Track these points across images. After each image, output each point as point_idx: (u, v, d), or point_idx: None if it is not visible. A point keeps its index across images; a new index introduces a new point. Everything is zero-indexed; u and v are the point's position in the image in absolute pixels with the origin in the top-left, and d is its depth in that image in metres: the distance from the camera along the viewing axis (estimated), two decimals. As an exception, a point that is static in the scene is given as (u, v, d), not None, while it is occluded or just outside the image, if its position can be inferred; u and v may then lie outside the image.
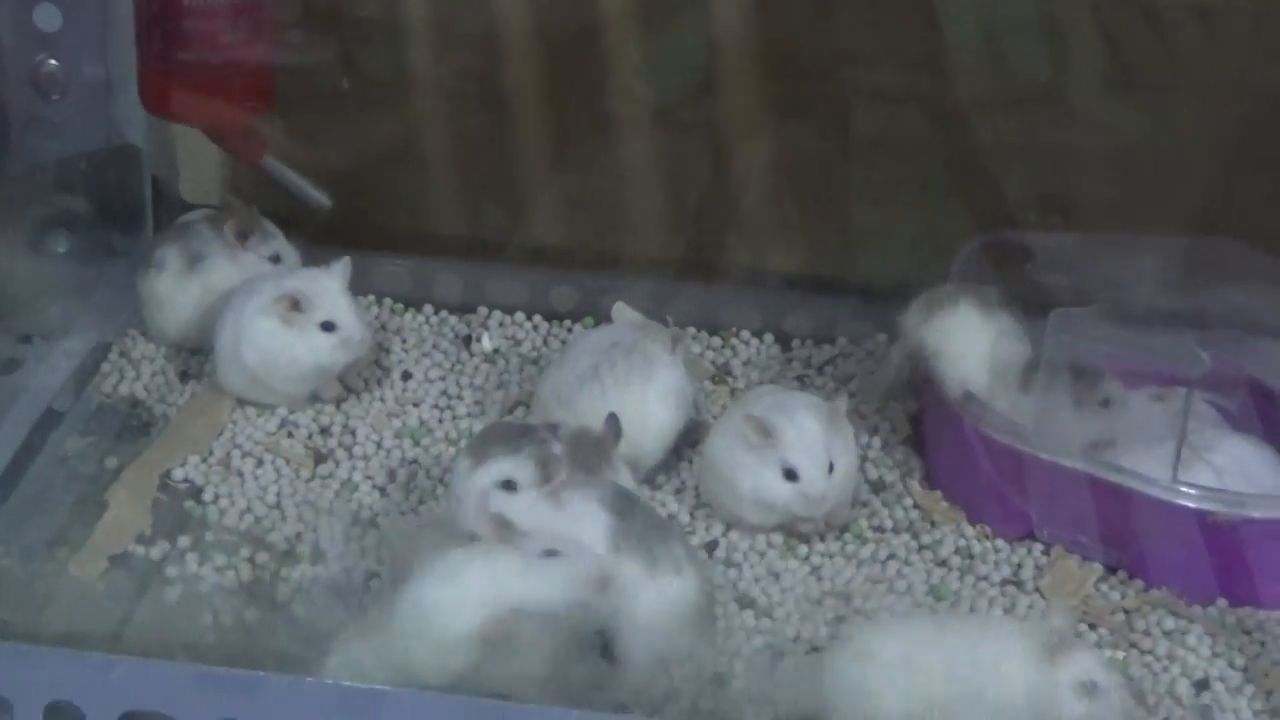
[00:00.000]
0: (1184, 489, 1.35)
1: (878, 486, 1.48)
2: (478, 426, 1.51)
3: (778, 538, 1.40)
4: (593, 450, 1.34)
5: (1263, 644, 1.33)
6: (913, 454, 1.52)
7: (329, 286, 1.50)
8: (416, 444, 1.50)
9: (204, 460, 1.47)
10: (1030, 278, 1.48)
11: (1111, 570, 1.39)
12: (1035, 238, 1.53)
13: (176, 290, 1.58)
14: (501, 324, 1.67)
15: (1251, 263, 1.54)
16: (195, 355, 1.59)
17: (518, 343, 1.65)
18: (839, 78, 1.71)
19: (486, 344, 1.64)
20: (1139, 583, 1.38)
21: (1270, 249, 1.56)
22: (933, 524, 1.44)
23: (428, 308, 1.68)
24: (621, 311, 1.53)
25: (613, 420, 1.36)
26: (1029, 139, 1.71)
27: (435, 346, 1.63)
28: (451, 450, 1.49)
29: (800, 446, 1.38)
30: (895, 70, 1.70)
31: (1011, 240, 1.54)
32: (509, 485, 1.29)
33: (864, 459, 1.49)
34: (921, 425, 1.53)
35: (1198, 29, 1.66)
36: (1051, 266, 1.49)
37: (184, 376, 1.58)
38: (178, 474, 1.45)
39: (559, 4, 1.74)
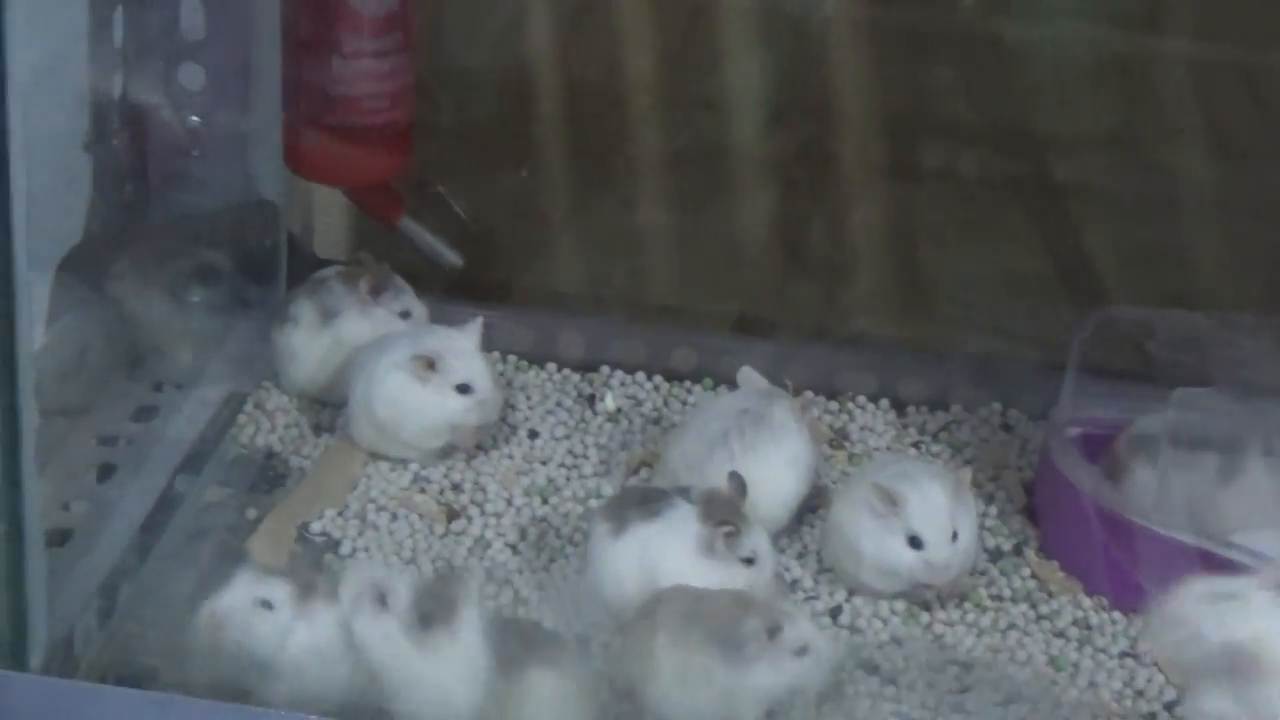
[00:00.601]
0: (1299, 566, 1.38)
1: (995, 555, 1.51)
2: (605, 486, 1.55)
3: (900, 604, 1.44)
4: (726, 508, 1.38)
5: (1371, 720, 1.36)
6: (1029, 523, 1.55)
7: (465, 348, 1.54)
8: (545, 502, 1.54)
9: (340, 514, 1.51)
10: (1151, 354, 1.51)
11: (1227, 645, 1.42)
12: (1154, 314, 1.56)
13: (310, 343, 1.63)
14: (623, 383, 1.71)
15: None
16: (327, 408, 1.64)
17: (639, 402, 1.69)
18: (958, 140, 1.75)
19: (610, 403, 1.68)
20: (1254, 657, 1.41)
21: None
22: (1050, 594, 1.47)
23: (550, 365, 1.72)
24: (747, 377, 1.57)
25: (735, 477, 1.40)
26: (1139, 210, 1.74)
27: (559, 404, 1.67)
28: (580, 509, 1.53)
29: (925, 515, 1.41)
30: (1016, 140, 1.74)
31: (1131, 315, 1.57)
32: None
33: (981, 527, 1.53)
34: (1038, 494, 1.56)
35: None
36: (1171, 344, 1.51)
37: (317, 429, 1.62)
38: (315, 526, 1.50)
39: (690, 69, 1.78)
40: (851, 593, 1.45)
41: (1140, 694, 1.37)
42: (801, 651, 1.27)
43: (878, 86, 1.75)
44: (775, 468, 1.47)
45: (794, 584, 1.46)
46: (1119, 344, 1.56)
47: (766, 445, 1.47)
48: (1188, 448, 1.45)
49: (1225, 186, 1.72)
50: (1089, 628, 1.44)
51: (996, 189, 1.76)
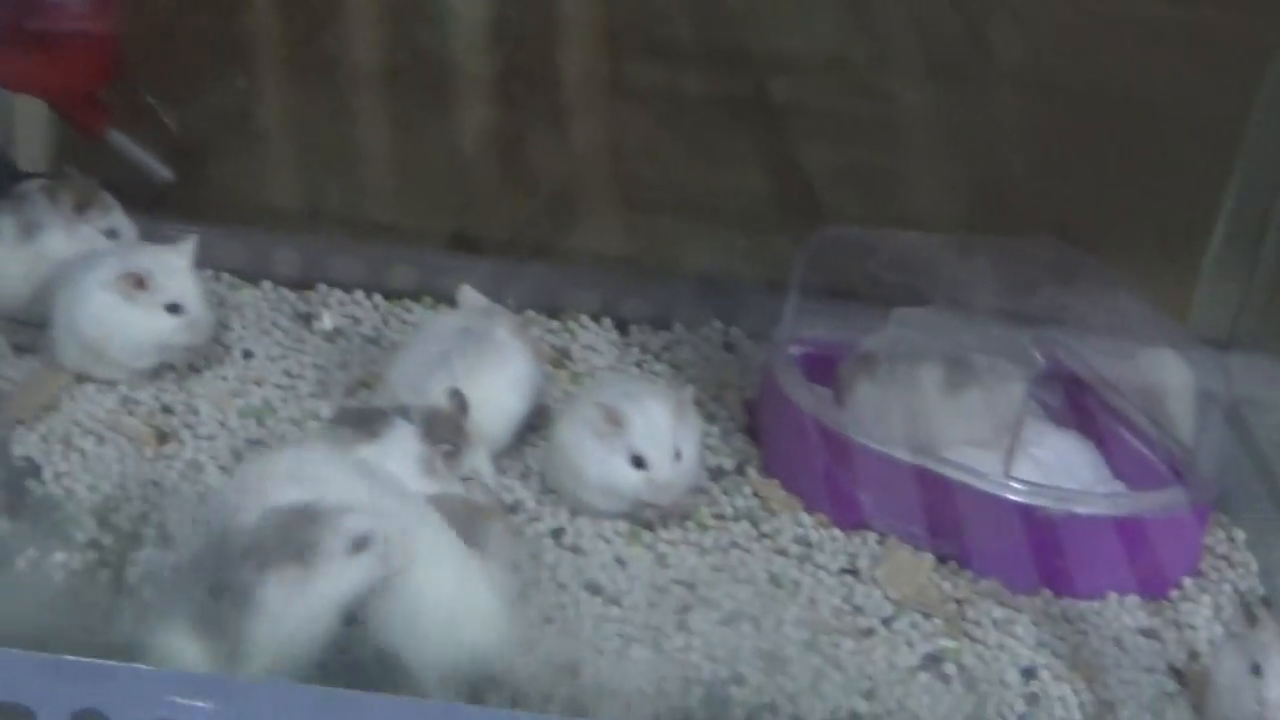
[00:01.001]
0: (1013, 485, 1.41)
1: (717, 474, 1.51)
2: (323, 408, 1.52)
3: (623, 525, 1.43)
4: (447, 427, 1.36)
5: (1084, 633, 1.40)
6: (750, 443, 1.56)
7: (176, 265, 1.49)
8: (261, 424, 1.50)
9: (43, 438, 1.45)
10: (869, 273, 1.52)
11: (943, 560, 1.44)
12: (874, 234, 1.57)
13: (10, 259, 1.56)
14: (341, 302, 1.67)
15: (1069, 261, 1.60)
16: (29, 327, 1.57)
17: (357, 321, 1.66)
18: (679, 59, 1.74)
19: (327, 322, 1.64)
20: (969, 574, 1.43)
21: (1084, 245, 1.63)
22: (771, 512, 1.48)
23: (265, 283, 1.68)
24: (468, 296, 1.54)
25: (456, 395, 1.38)
26: (857, 133, 1.75)
27: (275, 323, 1.63)
28: (297, 431, 1.49)
29: (648, 434, 1.40)
30: (736, 61, 1.73)
31: (850, 235, 1.58)
32: None
33: (704, 446, 1.53)
34: (760, 413, 1.57)
35: (1015, 22, 1.71)
36: (889, 263, 1.53)
37: (18, 349, 1.55)
38: (17, 451, 1.43)
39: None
40: (575, 513, 1.44)
41: (859, 609, 1.38)
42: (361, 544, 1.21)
43: (599, 3, 1.73)
44: (497, 387, 1.45)
45: (516, 505, 1.44)
46: (840, 264, 1.57)
47: (488, 365, 1.45)
48: (906, 365, 1.47)
49: (941, 109, 1.74)
50: (809, 545, 1.45)
51: (718, 108, 1.76)
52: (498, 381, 1.46)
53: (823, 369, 1.57)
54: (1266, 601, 1.44)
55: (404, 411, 1.37)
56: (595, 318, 1.69)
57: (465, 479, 1.35)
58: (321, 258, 1.70)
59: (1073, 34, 1.68)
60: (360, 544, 1.16)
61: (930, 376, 1.47)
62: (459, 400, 1.38)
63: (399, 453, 1.34)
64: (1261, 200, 1.64)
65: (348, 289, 1.68)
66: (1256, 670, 1.23)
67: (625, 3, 1.73)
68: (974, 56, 1.72)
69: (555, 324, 1.68)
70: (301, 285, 1.68)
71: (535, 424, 1.52)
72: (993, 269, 1.54)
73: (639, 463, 1.40)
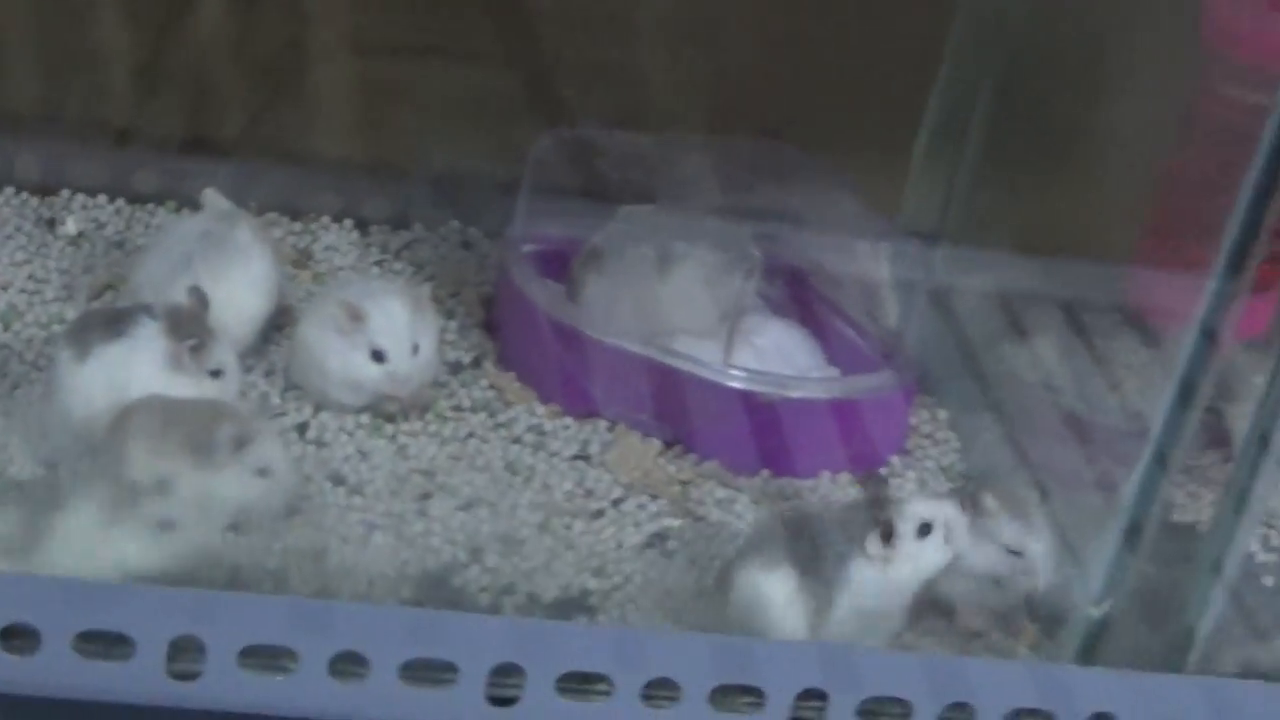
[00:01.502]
0: (733, 372, 1.51)
1: (455, 368, 1.58)
2: (68, 311, 1.55)
3: (365, 418, 1.49)
4: (192, 322, 1.41)
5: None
6: (487, 337, 1.63)
7: None
8: (6, 328, 1.52)
9: None
10: (599, 172, 1.59)
11: (669, 445, 1.53)
12: (603, 134, 1.65)
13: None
14: (84, 206, 1.70)
15: (787, 159, 1.69)
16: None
17: (101, 226, 1.68)
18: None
19: (71, 227, 1.66)
20: (693, 456, 1.53)
21: (802, 144, 1.71)
22: (507, 404, 1.55)
23: (7, 189, 1.69)
24: (211, 199, 1.57)
25: (196, 291, 1.43)
26: (593, 29, 1.80)
27: (18, 229, 1.65)
28: (43, 334, 1.52)
29: (387, 329, 1.47)
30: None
31: (581, 135, 1.65)
32: None
33: (442, 342, 1.59)
34: (495, 309, 1.64)
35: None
36: (618, 163, 1.60)
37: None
38: None
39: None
40: (318, 408, 1.50)
41: (590, 493, 1.47)
42: (263, 472, 1.31)
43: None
44: (238, 287, 1.50)
45: (261, 401, 1.50)
46: (570, 163, 1.63)
47: (230, 266, 1.50)
48: (630, 258, 1.55)
49: (674, 8, 1.80)
50: (543, 434, 1.53)
51: (451, 3, 1.79)
52: (239, 281, 1.50)
53: (555, 265, 1.64)
54: (966, 477, 1.56)
55: (148, 310, 1.41)
56: (336, 219, 1.74)
57: (214, 372, 1.40)
58: (63, 162, 1.71)
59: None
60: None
61: (652, 269, 1.55)
62: (199, 296, 1.42)
63: (146, 350, 1.39)
64: (965, 96, 1.73)
65: (91, 193, 1.70)
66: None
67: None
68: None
69: (297, 226, 1.72)
70: (43, 190, 1.70)
71: (279, 323, 1.57)
72: (714, 168, 1.63)
73: (378, 357, 1.46)
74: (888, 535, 1.30)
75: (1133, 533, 1.36)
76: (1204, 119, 1.48)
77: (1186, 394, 1.33)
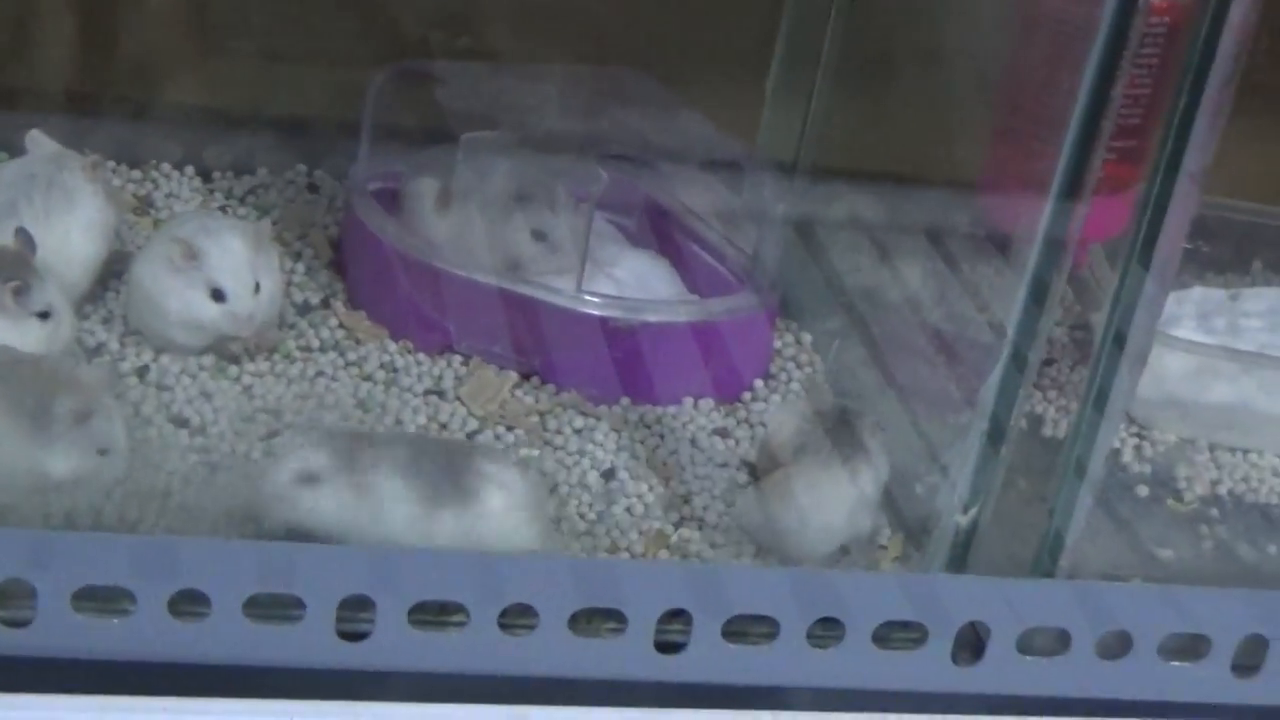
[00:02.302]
0: (588, 298, 1.47)
1: (304, 309, 1.53)
2: (-107, 262, 1.48)
3: (208, 359, 1.44)
4: (15, 264, 1.35)
5: (661, 436, 1.47)
6: (336, 277, 1.58)
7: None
8: None
9: None
10: (440, 105, 1.55)
11: (526, 377, 1.50)
12: (443, 66, 1.60)
13: None
14: (-94, 160, 1.63)
15: (647, 90, 1.65)
16: None
17: (-74, 179, 1.62)
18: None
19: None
20: (551, 387, 1.49)
21: (656, 74, 1.68)
22: (358, 342, 1.51)
23: None
24: (37, 141, 1.51)
25: (21, 233, 1.37)
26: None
27: None
28: None
29: (226, 266, 1.41)
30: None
31: (420, 69, 1.61)
32: None
33: (289, 283, 1.55)
34: (343, 249, 1.59)
35: None
36: (460, 94, 1.56)
37: None
38: None
39: None
40: (159, 351, 1.44)
41: (444, 426, 1.43)
42: (102, 451, 1.24)
43: None
44: (69, 232, 1.44)
45: (99, 348, 1.44)
46: (412, 98, 1.59)
47: (59, 210, 1.44)
48: (477, 190, 1.51)
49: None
50: (395, 370, 1.48)
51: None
52: (68, 225, 1.44)
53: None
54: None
55: (-32, 255, 1.35)
56: (178, 166, 1.68)
57: (41, 314, 1.34)
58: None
59: None
60: None
61: (499, 200, 1.51)
62: (24, 237, 1.37)
63: (-37, 294, 1.33)
64: (814, 23, 1.70)
65: (-87, 147, 1.64)
66: None
67: None
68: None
69: (137, 174, 1.67)
70: None
71: (117, 270, 1.51)
72: (562, 96, 1.59)
73: (218, 295, 1.41)
74: None
75: (995, 436, 1.34)
76: (1037, 20, 1.46)
77: (1037, 292, 1.30)
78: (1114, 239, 1.54)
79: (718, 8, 1.75)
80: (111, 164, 1.66)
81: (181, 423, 1.37)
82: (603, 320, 1.47)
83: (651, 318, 1.48)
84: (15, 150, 1.62)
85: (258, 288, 1.42)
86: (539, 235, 1.49)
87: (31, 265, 1.35)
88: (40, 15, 1.71)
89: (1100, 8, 1.22)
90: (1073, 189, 1.26)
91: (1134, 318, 1.31)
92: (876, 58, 1.72)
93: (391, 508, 1.23)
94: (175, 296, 1.42)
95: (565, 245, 1.51)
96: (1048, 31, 1.43)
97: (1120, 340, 1.31)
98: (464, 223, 1.51)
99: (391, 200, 1.59)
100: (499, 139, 1.51)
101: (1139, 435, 1.60)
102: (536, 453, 1.41)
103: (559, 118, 1.57)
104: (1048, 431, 1.57)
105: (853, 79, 1.73)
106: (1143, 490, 1.53)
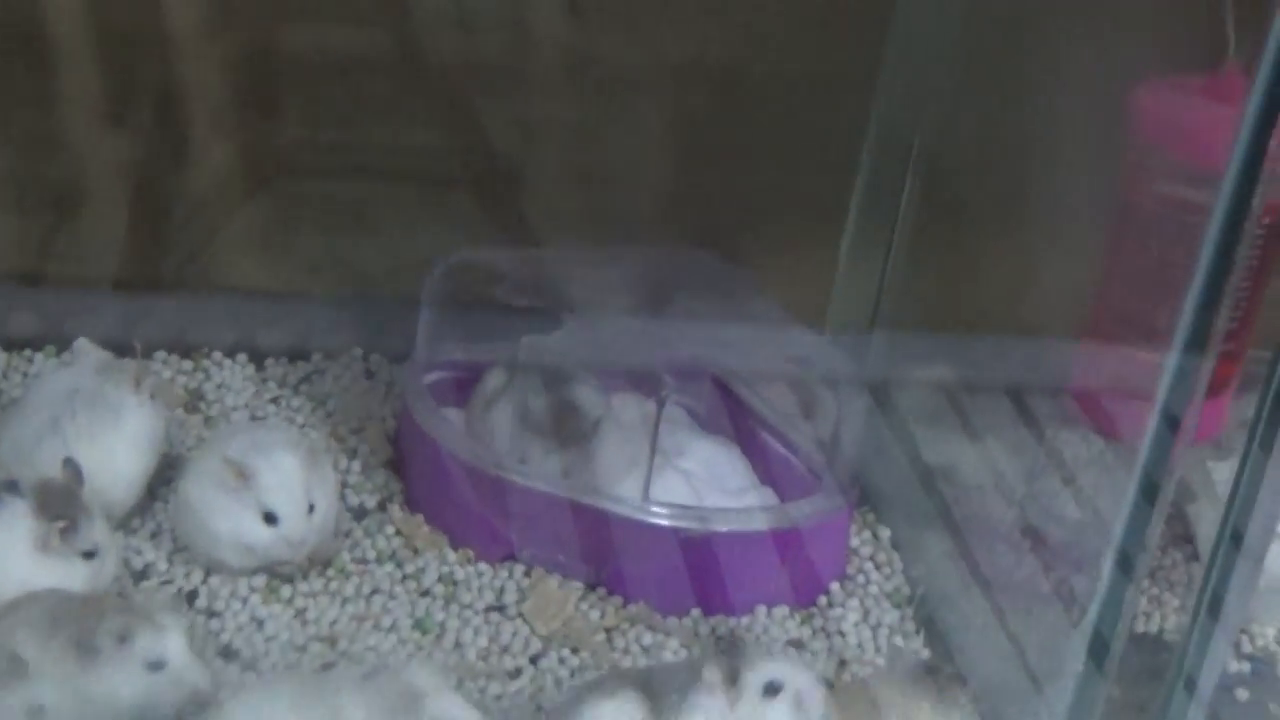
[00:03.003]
0: (655, 509, 1.40)
1: (359, 514, 1.47)
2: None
3: (259, 580, 1.38)
4: (62, 499, 1.30)
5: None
6: (394, 476, 1.51)
7: None
8: None
9: None
10: (501, 299, 1.49)
11: (591, 587, 1.43)
12: (504, 255, 1.54)
13: None
14: (-45, 357, 1.59)
15: (705, 267, 1.59)
16: None
17: (-26, 378, 1.57)
18: (308, 86, 1.67)
19: (-60, 383, 1.55)
20: (618, 599, 1.42)
21: (722, 250, 1.62)
22: (415, 551, 1.44)
23: None
24: (83, 350, 1.46)
25: (70, 464, 1.31)
26: (498, 155, 1.71)
27: (-118, 389, 1.54)
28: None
29: (278, 488, 1.35)
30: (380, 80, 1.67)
31: (481, 259, 1.55)
32: None
33: (344, 485, 1.49)
34: (401, 448, 1.53)
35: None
36: (522, 286, 1.50)
37: None
38: None
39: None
40: (209, 572, 1.38)
41: (506, 650, 1.36)
42: (156, 666, 1.19)
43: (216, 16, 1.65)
44: (114, 450, 1.38)
45: (147, 569, 1.38)
46: (471, 287, 1.53)
47: (102, 426, 1.38)
48: (538, 396, 1.44)
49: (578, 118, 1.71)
50: (455, 583, 1.42)
51: (344, 124, 1.70)
52: (113, 443, 1.38)
53: (462, 392, 1.54)
54: (910, 600, 1.46)
55: (12, 486, 1.29)
56: (229, 353, 1.63)
57: (87, 554, 1.29)
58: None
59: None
60: None
61: (561, 411, 1.44)
62: (73, 469, 1.31)
63: (11, 530, 1.27)
64: (890, 187, 1.64)
65: (-39, 342, 1.59)
66: None
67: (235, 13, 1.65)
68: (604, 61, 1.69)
69: (188, 364, 1.61)
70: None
71: (169, 478, 1.46)
72: (625, 281, 1.53)
73: (270, 519, 1.35)
74: (732, 676, 1.20)
75: (1097, 652, 1.26)
76: (1140, 213, 1.39)
77: (1148, 495, 1.22)
78: (1207, 439, 1.47)
79: (786, 175, 1.68)
80: (161, 354, 1.61)
81: (231, 655, 1.31)
82: (669, 530, 1.40)
83: (723, 527, 1.40)
84: (63, 343, 1.58)
85: (311, 509, 1.36)
86: (607, 459, 1.43)
87: (80, 501, 1.29)
88: (88, 201, 1.66)
89: (1201, 207, 1.15)
90: (1193, 387, 1.18)
91: (1253, 513, 1.23)
92: (952, 225, 1.65)
93: None
94: (225, 518, 1.35)
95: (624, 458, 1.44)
96: (1149, 223, 1.36)
97: (1237, 540, 1.23)
98: (524, 428, 1.44)
99: (450, 392, 1.53)
100: (560, 339, 1.44)
101: (1240, 629, 1.51)
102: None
103: (622, 306, 1.50)
104: (1140, 626, 1.48)
105: (930, 242, 1.66)
106: (1242, 694, 1.44)
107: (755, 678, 1.21)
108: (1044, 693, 1.34)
